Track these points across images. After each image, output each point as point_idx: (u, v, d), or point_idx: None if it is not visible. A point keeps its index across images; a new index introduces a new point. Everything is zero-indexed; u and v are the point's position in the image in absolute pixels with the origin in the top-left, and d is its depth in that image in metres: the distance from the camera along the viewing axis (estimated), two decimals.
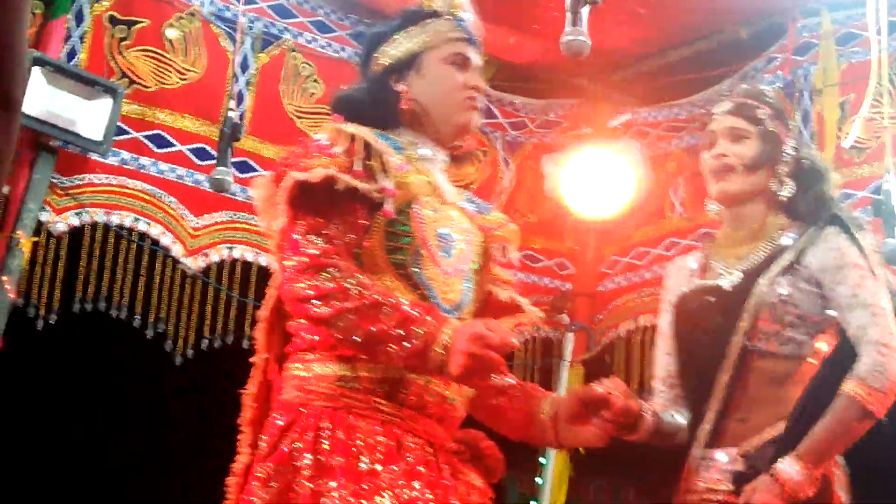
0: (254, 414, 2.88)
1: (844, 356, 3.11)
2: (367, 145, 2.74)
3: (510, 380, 2.98)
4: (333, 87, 5.52)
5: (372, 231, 2.73)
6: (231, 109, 3.92)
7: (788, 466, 2.98)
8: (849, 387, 3.02)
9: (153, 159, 5.15)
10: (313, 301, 2.60)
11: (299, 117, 5.56)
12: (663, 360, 3.44)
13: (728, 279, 3.29)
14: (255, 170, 5.34)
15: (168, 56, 5.23)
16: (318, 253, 2.62)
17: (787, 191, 3.31)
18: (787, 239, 3.28)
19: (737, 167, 3.29)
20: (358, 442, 2.61)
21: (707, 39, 5.82)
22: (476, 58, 2.99)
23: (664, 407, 3.34)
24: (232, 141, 3.95)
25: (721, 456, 3.16)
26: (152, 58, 5.20)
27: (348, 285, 2.58)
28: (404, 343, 2.55)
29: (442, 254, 2.80)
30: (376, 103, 2.91)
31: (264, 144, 5.40)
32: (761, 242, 3.30)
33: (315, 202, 2.68)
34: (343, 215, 2.70)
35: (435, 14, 2.99)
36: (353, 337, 2.58)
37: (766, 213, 3.33)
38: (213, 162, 5.15)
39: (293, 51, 5.59)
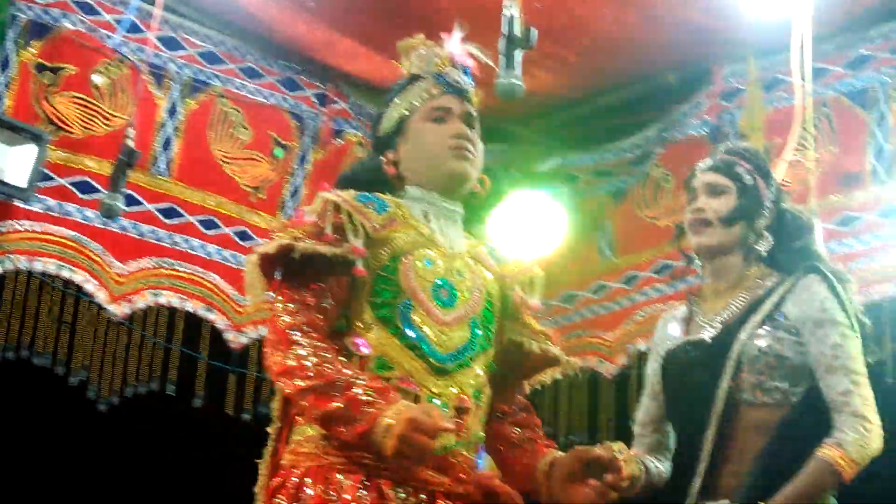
0: (264, 481, 2.93)
1: (812, 410, 3.15)
2: (338, 208, 2.82)
3: (529, 434, 3.04)
4: (262, 132, 5.58)
5: (359, 290, 2.82)
6: (129, 138, 3.88)
7: None
8: (830, 454, 3.05)
9: (78, 205, 5.09)
10: (280, 377, 2.70)
11: (226, 162, 5.52)
12: (646, 404, 3.47)
13: (708, 332, 3.32)
14: (181, 215, 5.30)
15: (95, 102, 5.18)
16: (285, 327, 2.71)
17: (765, 244, 3.36)
18: (766, 288, 3.31)
19: (713, 221, 3.33)
20: (341, 495, 2.67)
21: (635, 85, 5.87)
22: (461, 106, 3.04)
23: (646, 452, 3.37)
24: (126, 168, 3.92)
25: None
26: (79, 104, 5.15)
27: (308, 363, 2.66)
28: (351, 424, 2.60)
29: (439, 303, 2.87)
30: (367, 172, 3.07)
31: (190, 189, 5.36)
32: (741, 293, 3.33)
33: (290, 272, 2.79)
34: (318, 281, 2.79)
35: (418, 78, 3.11)
36: (312, 414, 2.66)
37: (745, 265, 3.37)
38: (140, 208, 5.12)
39: (222, 97, 5.55)
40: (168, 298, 5.24)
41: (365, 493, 2.69)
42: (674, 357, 3.39)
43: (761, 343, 3.21)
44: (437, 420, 2.56)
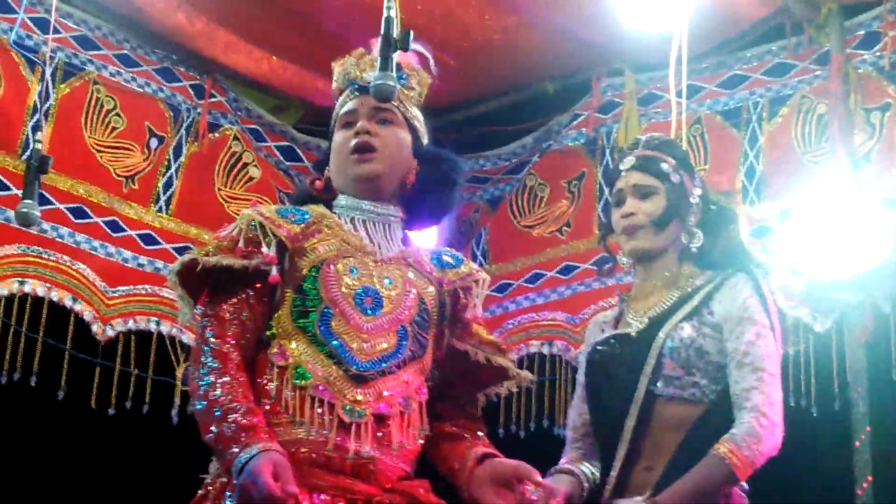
0: None
1: (726, 408, 3.16)
2: (251, 222, 2.88)
3: (468, 433, 3.03)
4: (136, 122, 5.50)
5: (283, 300, 2.88)
6: (38, 141, 3.81)
7: None
8: (723, 449, 3.05)
9: None
10: (190, 394, 2.82)
11: (99, 151, 5.41)
12: (578, 407, 3.45)
13: (635, 327, 3.33)
14: (49, 202, 5.17)
15: None
16: (198, 342, 2.82)
17: (696, 241, 3.37)
18: (694, 286, 3.32)
19: (646, 224, 3.34)
20: None
21: (514, 94, 5.91)
22: (368, 102, 3.02)
23: (579, 459, 3.36)
24: (39, 173, 3.85)
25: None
26: None
27: (201, 383, 2.75)
28: (220, 457, 2.70)
29: (362, 311, 2.88)
30: (301, 192, 3.21)
31: (61, 177, 5.22)
32: (671, 291, 3.34)
33: (213, 287, 2.87)
34: (235, 295, 2.85)
35: (341, 92, 3.15)
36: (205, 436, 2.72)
37: (676, 263, 3.38)
38: (7, 193, 4.99)
39: (96, 83, 5.45)
40: (34, 287, 5.12)
41: None
42: (598, 351, 3.39)
43: (684, 335, 3.22)
44: (269, 481, 2.54)
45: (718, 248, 3.38)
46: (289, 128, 6.06)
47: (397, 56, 2.96)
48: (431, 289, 3.02)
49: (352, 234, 2.99)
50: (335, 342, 2.85)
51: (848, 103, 4.89)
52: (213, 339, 2.81)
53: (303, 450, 2.77)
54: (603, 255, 5.29)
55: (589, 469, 3.34)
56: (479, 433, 3.05)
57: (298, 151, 6.07)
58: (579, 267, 5.52)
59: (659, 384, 3.21)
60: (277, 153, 6.01)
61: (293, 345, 2.85)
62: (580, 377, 3.50)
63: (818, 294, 4.71)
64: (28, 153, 4.33)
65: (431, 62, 3.20)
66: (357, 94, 3.09)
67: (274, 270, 2.85)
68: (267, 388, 2.83)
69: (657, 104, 5.45)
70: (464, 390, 3.10)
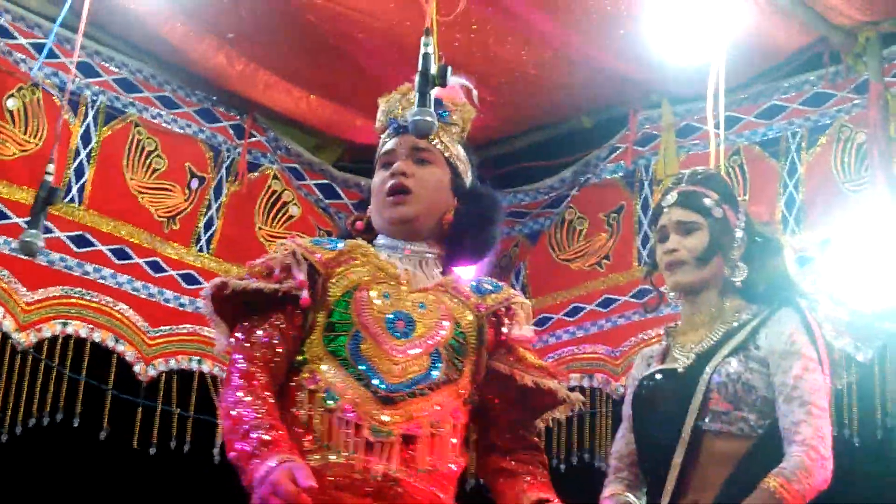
0: None
1: (775, 443, 3.14)
2: (285, 250, 2.93)
3: (528, 468, 3.00)
4: (177, 163, 5.54)
5: (315, 325, 2.88)
6: (49, 174, 3.85)
7: None
8: (773, 483, 3.03)
9: None
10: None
11: (141, 193, 5.46)
12: (625, 437, 3.45)
13: (682, 362, 3.32)
14: (92, 244, 5.23)
15: (7, 127, 5.10)
16: (230, 365, 2.82)
17: (740, 275, 3.36)
18: (741, 321, 3.31)
19: (688, 260, 3.34)
20: None
21: (552, 128, 5.93)
22: (406, 142, 3.04)
23: (625, 490, 3.37)
24: (46, 204, 3.89)
25: None
26: None
27: (227, 403, 2.76)
28: (243, 474, 2.67)
29: (394, 335, 2.88)
30: (341, 231, 3.21)
31: (104, 219, 5.29)
32: (717, 326, 3.33)
33: (246, 311, 2.90)
34: (267, 319, 2.87)
35: (383, 132, 3.15)
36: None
37: (721, 298, 3.37)
38: (51, 235, 5.04)
39: (137, 125, 5.50)
40: (76, 328, 5.16)
41: None
42: (645, 385, 3.39)
43: (731, 370, 3.21)
44: (289, 486, 2.54)
45: (764, 280, 3.36)
46: (328, 166, 6.09)
47: (439, 92, 2.99)
48: (469, 314, 2.99)
49: (387, 263, 3.00)
50: (364, 365, 2.85)
51: (887, 131, 4.87)
52: (240, 360, 2.81)
53: (329, 475, 2.76)
54: (645, 288, 5.36)
55: (635, 501, 3.34)
56: (539, 467, 3.01)
57: (338, 189, 6.09)
58: (619, 300, 5.50)
59: (706, 419, 3.20)
60: (317, 191, 6.04)
61: (324, 368, 2.85)
62: (626, 409, 3.49)
63: (860, 323, 4.67)
64: (41, 184, 4.32)
65: (475, 94, 3.21)
66: (397, 133, 3.09)
67: (305, 293, 2.86)
68: (298, 414, 2.83)
69: (695, 136, 5.45)
70: (518, 417, 3.06)
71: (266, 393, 2.78)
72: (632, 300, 5.41)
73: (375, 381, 2.84)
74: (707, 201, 3.38)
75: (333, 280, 2.94)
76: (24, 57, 5.13)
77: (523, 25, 5.11)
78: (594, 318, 5.60)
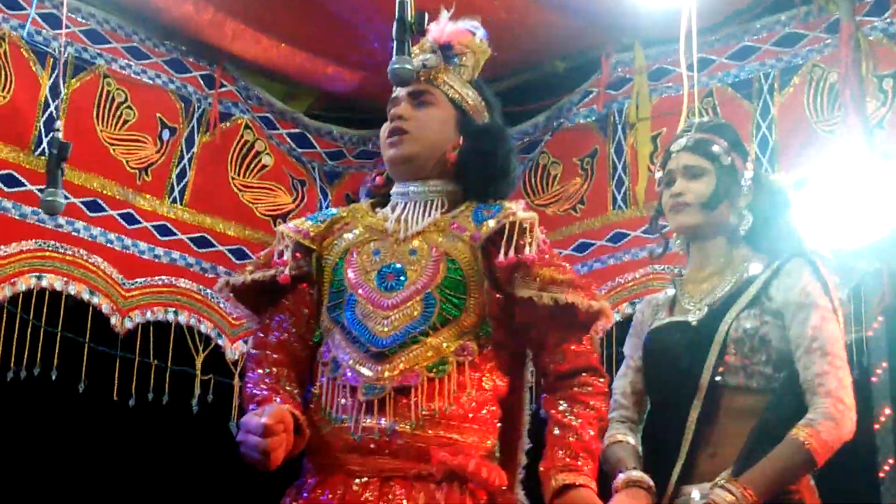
0: None
1: (794, 395, 3.14)
2: (277, 234, 3.09)
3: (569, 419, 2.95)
4: (147, 113, 5.50)
5: (322, 298, 3.02)
6: (57, 130, 3.82)
7: (726, 493, 2.98)
8: (803, 434, 3.03)
9: None
10: None
11: (112, 144, 5.42)
12: (630, 376, 3.43)
13: (694, 315, 3.30)
14: (66, 197, 5.18)
15: None
16: (246, 352, 3.11)
17: (746, 223, 3.36)
18: (751, 272, 3.30)
19: (693, 204, 3.33)
20: (311, 495, 2.87)
21: (524, 73, 5.90)
22: (407, 87, 3.09)
23: (626, 432, 3.33)
24: (60, 161, 3.86)
25: (694, 493, 3.13)
26: None
27: (243, 383, 2.98)
28: None
29: (384, 289, 2.94)
30: (366, 189, 3.30)
31: (75, 171, 5.22)
32: (727, 276, 3.32)
33: (259, 299, 3.09)
34: (277, 303, 3.05)
35: None
36: None
37: (729, 247, 3.37)
38: (22, 189, 5.00)
39: (106, 76, 5.46)
40: (51, 281, 5.14)
41: (328, 491, 2.84)
42: (658, 337, 3.37)
43: (746, 325, 3.19)
44: (255, 421, 2.66)
45: (773, 231, 3.37)
46: (300, 115, 6.06)
47: (448, 35, 3.11)
48: (464, 247, 2.98)
49: (375, 219, 3.06)
50: (358, 326, 2.92)
51: (859, 71, 4.87)
52: (254, 344, 3.02)
53: (334, 441, 2.87)
54: (620, 231, 5.38)
55: (634, 438, 3.34)
56: (585, 419, 2.93)
57: (310, 138, 6.07)
58: (594, 244, 5.51)
59: (723, 374, 3.19)
60: (289, 140, 6.01)
61: (333, 339, 2.96)
62: (627, 349, 3.49)
63: (835, 263, 4.70)
64: (47, 141, 4.29)
65: (483, 33, 3.23)
66: (399, 83, 3.11)
67: (284, 271, 3.00)
68: (313, 390, 2.96)
69: (668, 78, 5.44)
70: (561, 336, 2.99)
71: (275, 369, 2.93)
72: (607, 244, 5.43)
73: (367, 340, 2.90)
74: (716, 148, 3.37)
75: (327, 251, 3.04)
76: None
77: None
78: (570, 262, 5.60)
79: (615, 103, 5.64)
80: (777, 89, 5.18)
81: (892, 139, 4.79)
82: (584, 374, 2.97)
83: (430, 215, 3.04)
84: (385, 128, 3.13)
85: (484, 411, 2.92)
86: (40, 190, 5.05)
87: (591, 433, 2.91)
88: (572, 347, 2.98)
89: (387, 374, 2.87)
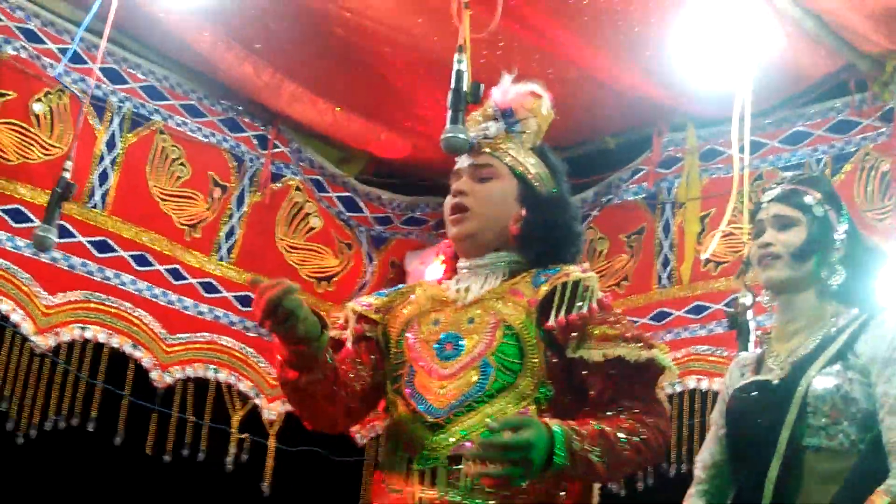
0: None
1: (881, 456, 2.95)
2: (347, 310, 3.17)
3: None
4: (200, 171, 5.55)
5: (387, 373, 3.05)
6: (66, 170, 3.86)
7: None
8: (880, 501, 2.85)
9: (9, 234, 4.99)
10: None
11: (163, 199, 5.47)
12: (710, 447, 3.29)
13: (777, 373, 3.15)
14: (113, 250, 5.24)
15: (32, 131, 5.11)
16: None
17: (838, 278, 3.17)
18: (839, 326, 3.13)
19: (784, 255, 3.17)
20: None
21: (575, 148, 5.90)
22: (468, 161, 3.11)
23: (700, 495, 3.23)
24: (62, 200, 3.91)
25: None
26: (16, 131, 5.07)
27: None
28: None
29: (442, 359, 2.94)
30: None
31: (126, 225, 5.30)
32: (814, 332, 3.15)
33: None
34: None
35: None
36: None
37: (819, 302, 3.19)
38: (73, 240, 5.06)
39: (162, 133, 5.52)
40: (95, 333, 5.16)
41: None
42: (738, 397, 3.22)
43: (829, 383, 3.01)
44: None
45: (865, 288, 3.21)
46: (351, 179, 6.10)
47: (511, 100, 3.07)
48: (522, 312, 2.95)
49: (438, 290, 3.07)
50: (416, 397, 2.94)
51: None
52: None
53: None
54: (663, 311, 5.34)
55: None
56: (632, 414, 2.86)
57: (360, 202, 6.10)
58: (638, 321, 5.48)
59: (803, 435, 3.00)
60: (339, 204, 6.05)
61: (395, 411, 2.98)
62: (715, 417, 3.34)
63: None
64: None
65: (546, 97, 3.20)
66: (466, 153, 3.14)
67: (345, 334, 3.09)
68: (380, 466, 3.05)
69: (719, 160, 5.43)
70: (616, 392, 2.92)
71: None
72: (650, 322, 5.39)
73: (424, 410, 2.90)
74: (808, 199, 3.22)
75: (391, 323, 3.06)
76: (51, 62, 5.14)
77: (550, 44, 5.10)
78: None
79: (665, 182, 5.63)
80: (828, 176, 5.16)
81: None
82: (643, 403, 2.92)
83: (488, 283, 3.04)
84: (448, 202, 3.11)
85: (539, 483, 2.84)
86: (90, 242, 5.16)
87: (619, 435, 2.81)
88: (626, 403, 2.90)
89: (441, 443, 2.87)
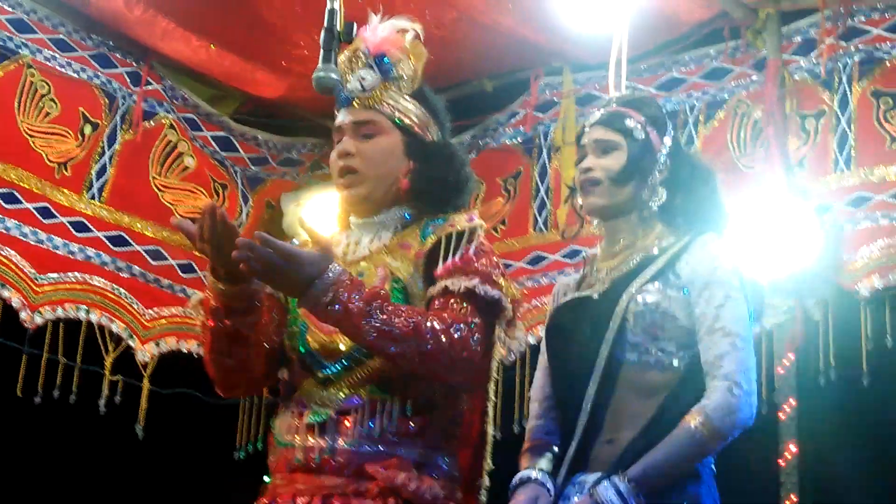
0: None
1: (699, 375, 2.96)
2: None
3: None
4: (70, 107, 5.43)
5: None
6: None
7: (610, 489, 2.83)
8: (694, 421, 2.86)
9: None
10: None
11: (32, 136, 5.35)
12: (538, 380, 3.25)
13: (597, 288, 3.14)
14: None
15: None
16: None
17: (658, 199, 3.17)
18: (661, 247, 3.13)
19: (603, 181, 3.15)
20: None
21: (452, 90, 5.89)
22: (349, 117, 3.06)
23: (545, 434, 3.16)
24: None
25: (590, 480, 2.93)
26: None
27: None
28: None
29: None
30: None
31: None
32: (636, 252, 3.14)
33: None
34: None
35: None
36: None
37: (641, 223, 3.18)
38: None
39: (30, 67, 5.38)
40: None
41: None
42: (559, 314, 3.22)
43: (649, 299, 3.02)
44: None
45: (691, 207, 3.18)
46: (225, 118, 6.02)
47: (379, 42, 3.02)
48: (409, 265, 2.94)
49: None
50: (307, 351, 2.95)
51: (783, 109, 4.94)
52: None
53: (284, 464, 2.91)
54: (540, 254, 5.39)
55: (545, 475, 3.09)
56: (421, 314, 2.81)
57: (234, 142, 6.03)
58: (514, 265, 5.52)
59: (622, 350, 3.00)
60: (213, 143, 5.96)
61: (291, 368, 3.00)
62: (543, 345, 3.31)
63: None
64: None
65: (416, 33, 3.11)
66: (342, 104, 3.08)
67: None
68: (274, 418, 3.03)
69: (595, 104, 5.43)
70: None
71: None
72: (526, 266, 5.44)
73: (315, 366, 2.92)
74: (629, 122, 3.19)
75: None
76: None
77: None
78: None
79: (541, 125, 5.66)
80: (702, 122, 5.23)
81: (810, 178, 4.85)
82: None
83: (380, 239, 3.01)
84: (334, 163, 3.05)
85: (429, 426, 2.88)
86: None
87: (399, 308, 2.77)
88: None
89: (331, 396, 2.89)
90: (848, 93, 4.88)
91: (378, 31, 3.08)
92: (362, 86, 3.05)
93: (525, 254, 5.50)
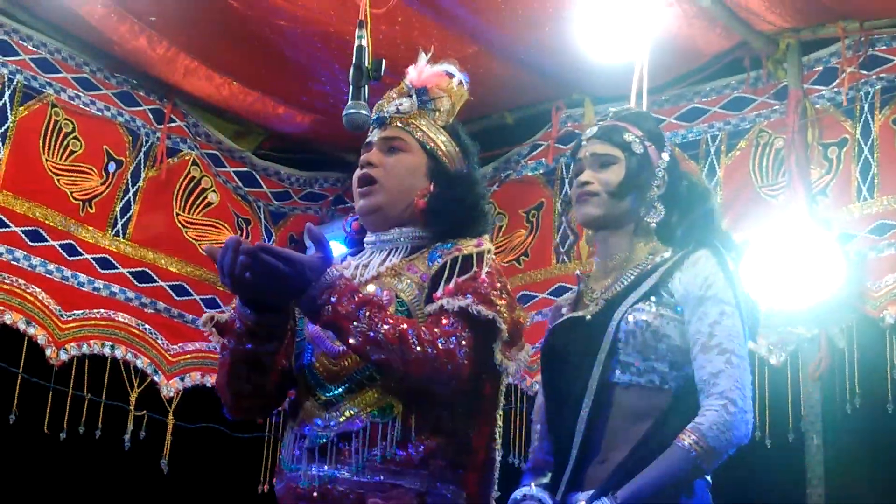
0: None
1: (692, 394, 2.92)
2: None
3: None
4: (94, 145, 5.47)
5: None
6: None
7: None
8: (689, 440, 2.82)
9: None
10: None
11: (57, 174, 5.38)
12: (540, 400, 3.23)
13: (591, 308, 3.10)
14: (5, 225, 5.15)
15: None
16: None
17: (655, 216, 3.15)
18: (654, 264, 3.09)
19: (601, 193, 3.12)
20: None
21: (474, 123, 5.90)
22: (380, 133, 3.11)
23: (546, 454, 3.14)
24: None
25: (583, 499, 2.89)
26: None
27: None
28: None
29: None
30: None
31: (18, 200, 5.21)
32: (629, 269, 3.11)
33: None
34: None
35: None
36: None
37: (635, 239, 3.15)
38: None
39: (54, 106, 5.42)
40: None
41: None
42: (553, 335, 3.18)
43: (640, 318, 2.97)
44: None
45: (687, 225, 3.15)
46: (248, 154, 6.05)
47: (426, 78, 3.09)
48: (412, 287, 2.96)
49: (341, 266, 2.98)
50: (310, 374, 2.96)
51: (805, 138, 4.94)
52: None
53: (288, 488, 2.92)
54: (563, 285, 5.38)
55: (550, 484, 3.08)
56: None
57: (257, 177, 6.06)
58: (536, 296, 5.52)
59: (615, 371, 2.96)
60: (236, 178, 6.00)
61: (296, 390, 3.02)
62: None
63: (774, 327, 4.74)
64: None
65: (460, 77, 3.22)
66: (377, 125, 3.14)
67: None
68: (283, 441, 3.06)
69: None
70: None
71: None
72: (549, 297, 5.42)
73: (317, 388, 2.94)
74: (628, 136, 3.16)
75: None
76: None
77: (449, 21, 5.10)
78: None
79: (563, 157, 5.66)
80: (724, 152, 5.23)
81: (833, 207, 4.84)
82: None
83: (388, 261, 3.03)
84: (356, 174, 3.10)
85: (433, 454, 2.87)
86: None
87: (390, 317, 2.78)
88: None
89: (332, 420, 2.89)
90: (870, 121, 4.88)
91: (425, 70, 3.17)
92: (398, 109, 3.12)
93: (548, 285, 5.49)
